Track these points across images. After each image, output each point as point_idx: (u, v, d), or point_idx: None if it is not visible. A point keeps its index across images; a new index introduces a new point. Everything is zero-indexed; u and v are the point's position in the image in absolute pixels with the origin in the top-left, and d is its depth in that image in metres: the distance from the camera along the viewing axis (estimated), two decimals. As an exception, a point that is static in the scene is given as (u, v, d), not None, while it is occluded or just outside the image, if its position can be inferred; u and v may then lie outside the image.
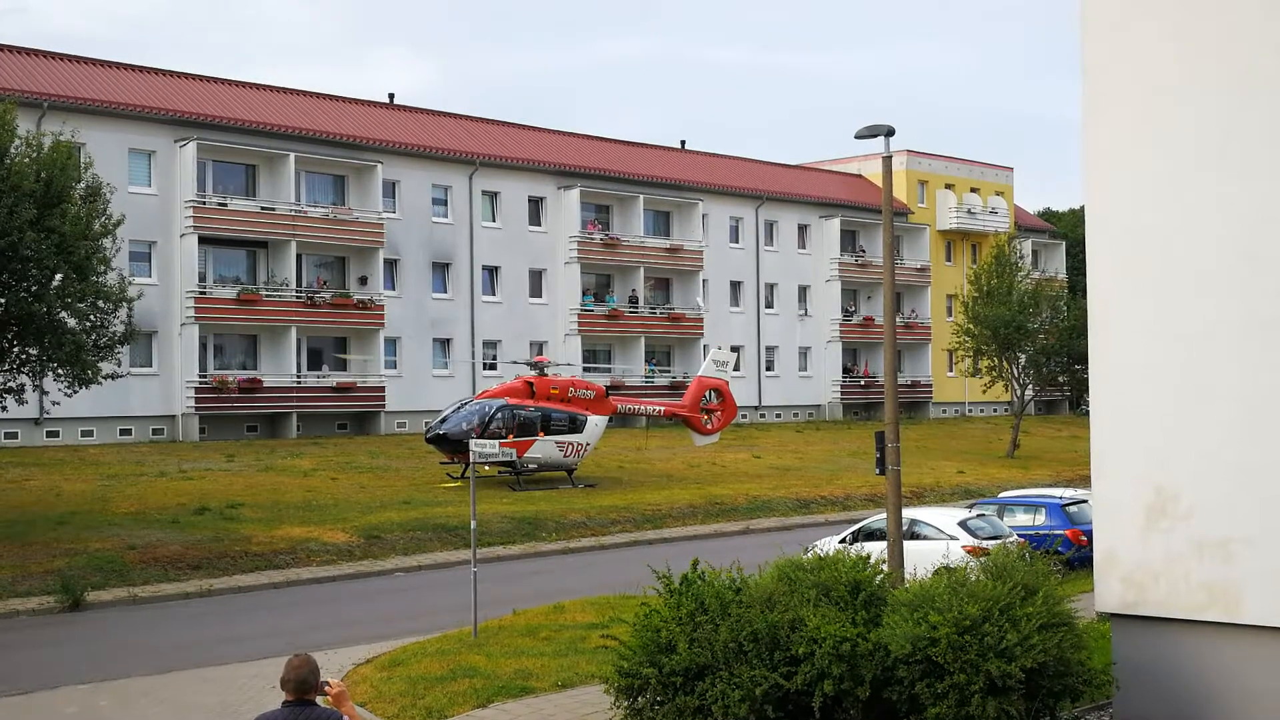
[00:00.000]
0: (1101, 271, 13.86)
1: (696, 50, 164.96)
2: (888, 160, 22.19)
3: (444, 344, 52.34)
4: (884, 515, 22.56)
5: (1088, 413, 14.42)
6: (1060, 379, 62.97)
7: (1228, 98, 12.95)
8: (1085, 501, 26.06)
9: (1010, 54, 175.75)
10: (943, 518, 24.95)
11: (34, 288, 27.19)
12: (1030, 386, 59.65)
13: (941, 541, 22.87)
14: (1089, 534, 20.05)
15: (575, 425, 39.66)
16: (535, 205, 55.74)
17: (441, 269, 52.41)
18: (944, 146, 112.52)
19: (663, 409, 44.20)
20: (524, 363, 44.08)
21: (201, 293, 44.72)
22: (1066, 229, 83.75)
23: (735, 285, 63.68)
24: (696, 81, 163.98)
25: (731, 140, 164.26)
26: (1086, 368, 14.68)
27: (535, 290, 55.36)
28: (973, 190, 76.47)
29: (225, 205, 45.75)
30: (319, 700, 7.83)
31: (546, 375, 40.55)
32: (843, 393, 67.25)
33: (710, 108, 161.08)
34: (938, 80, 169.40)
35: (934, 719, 11.76)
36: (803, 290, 66.91)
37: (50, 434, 40.82)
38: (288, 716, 7.69)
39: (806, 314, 66.87)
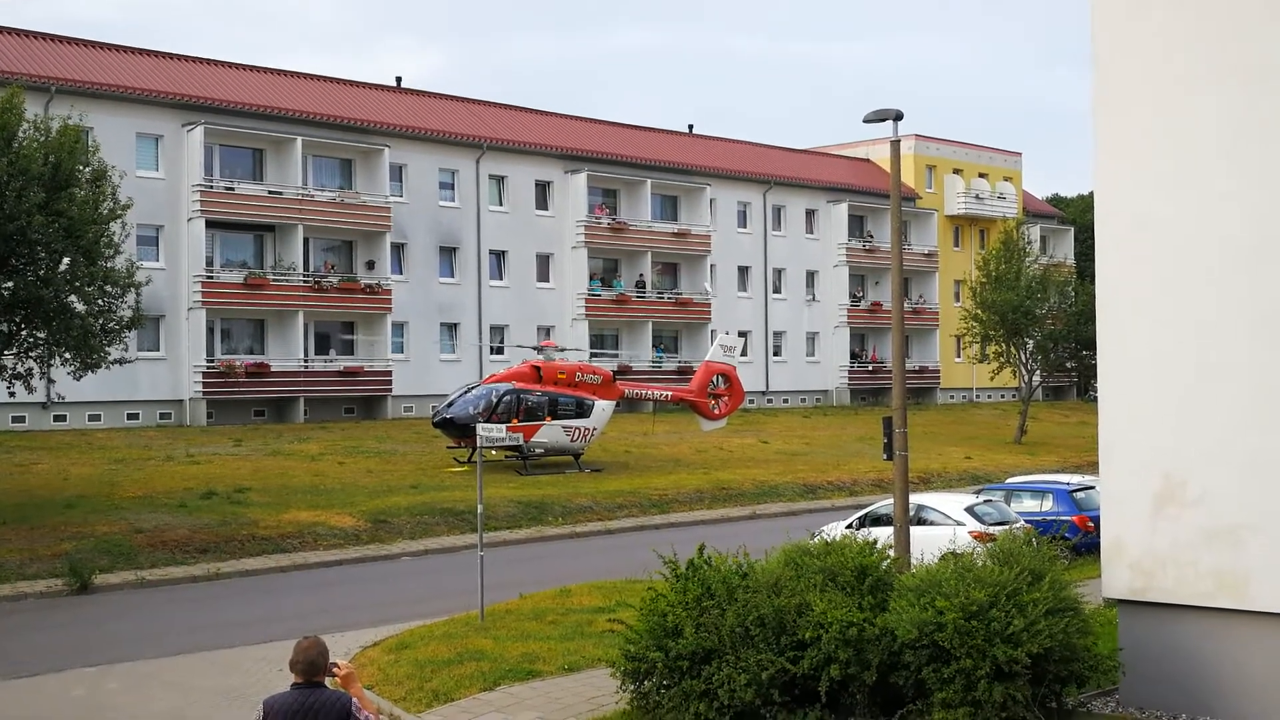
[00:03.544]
0: (1110, 260, 13.84)
1: (705, 37, 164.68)
2: (895, 145, 22.13)
3: (451, 328, 52.34)
4: (891, 500, 22.57)
5: (1095, 399, 14.41)
6: (1068, 365, 62.97)
7: (1240, 89, 12.90)
8: (1093, 487, 26.02)
9: (1019, 41, 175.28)
10: (950, 503, 24.94)
11: (42, 272, 27.24)
12: (1038, 372, 59.61)
13: (948, 527, 22.85)
14: (1096, 520, 20.07)
15: (582, 410, 39.67)
16: (542, 189, 55.66)
17: (449, 253, 52.36)
18: (953, 133, 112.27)
19: (670, 394, 44.18)
20: (531, 347, 44.09)
21: (209, 277, 44.70)
22: (1075, 214, 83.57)
23: (743, 270, 63.60)
24: (705, 68, 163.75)
25: (740, 126, 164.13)
26: (1094, 354, 14.67)
27: (542, 275, 55.30)
28: (981, 175, 76.27)
29: (232, 189, 45.71)
30: (327, 682, 7.85)
31: (554, 360, 40.54)
32: (850, 378, 67.18)
33: (719, 94, 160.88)
34: (946, 67, 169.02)
35: (940, 704, 11.78)
36: (810, 275, 66.82)
37: (58, 418, 40.88)
38: (296, 698, 7.71)
39: (814, 299, 66.79)
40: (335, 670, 7.87)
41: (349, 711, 7.72)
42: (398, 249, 50.43)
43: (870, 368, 68.18)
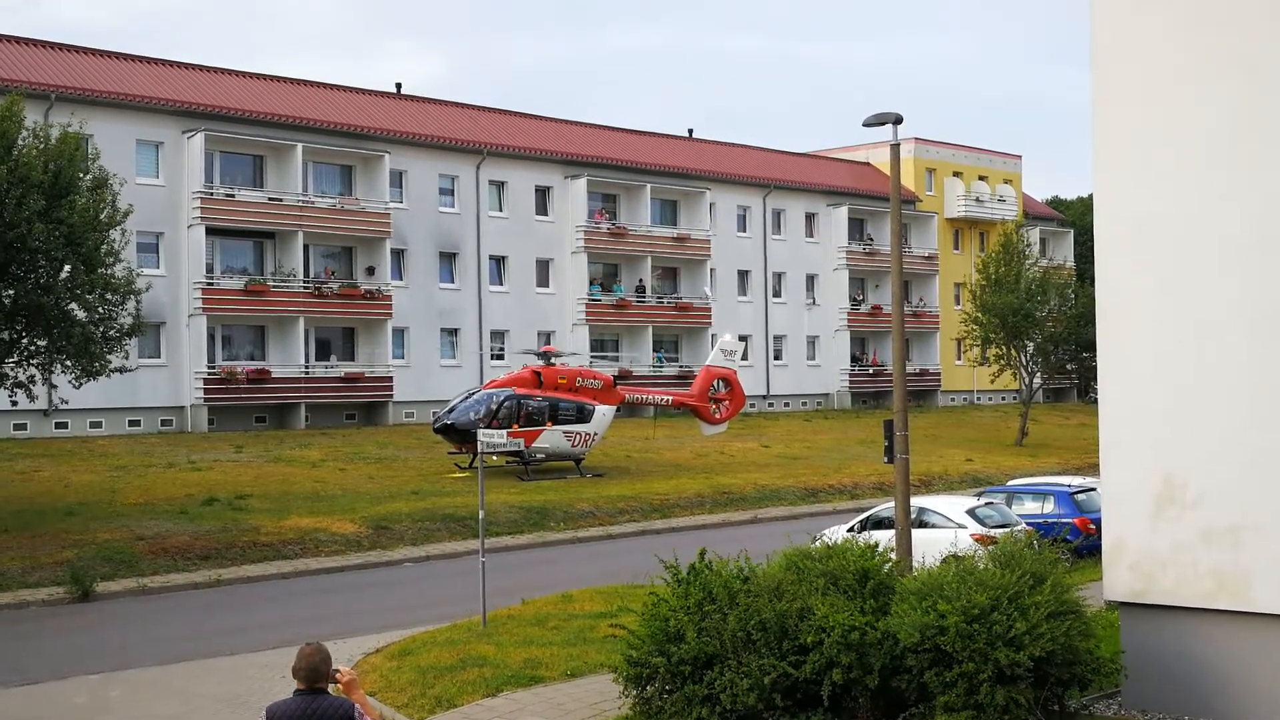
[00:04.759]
0: (1110, 261, 13.84)
1: (704, 40, 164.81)
2: (895, 148, 22.15)
3: (451, 334, 52.36)
4: (892, 504, 22.56)
5: (1096, 400, 14.41)
6: (1068, 367, 62.98)
7: (1240, 88, 12.91)
8: (1094, 489, 26.02)
9: (1018, 42, 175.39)
10: (951, 506, 24.93)
11: (42, 279, 27.25)
12: (1038, 374, 59.60)
13: (950, 530, 22.86)
14: (1097, 522, 20.07)
15: (583, 415, 39.66)
16: (542, 195, 55.68)
17: (449, 259, 52.37)
18: (952, 135, 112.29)
19: (670, 398, 44.18)
20: (531, 352, 44.09)
21: (209, 284, 44.70)
22: (1074, 217, 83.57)
23: (743, 274, 63.61)
24: (704, 71, 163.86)
25: (739, 129, 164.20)
26: (1094, 356, 14.68)
27: (542, 280, 55.31)
28: (980, 178, 76.30)
29: (232, 196, 45.73)
30: (330, 689, 7.85)
31: (554, 365, 40.55)
32: (851, 381, 67.18)
33: (718, 97, 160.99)
34: (945, 69, 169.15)
35: (942, 707, 11.77)
36: (810, 279, 66.83)
37: (59, 425, 40.89)
38: (299, 705, 7.72)
39: (814, 303, 66.79)
40: (337, 676, 7.87)
41: (352, 718, 7.73)
42: (398, 255, 50.46)
43: (871, 371, 68.19)
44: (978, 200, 75.05)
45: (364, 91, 54.43)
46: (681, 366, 58.82)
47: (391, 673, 16.30)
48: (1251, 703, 12.71)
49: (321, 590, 25.08)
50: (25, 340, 28.17)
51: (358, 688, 8.00)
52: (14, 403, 29.89)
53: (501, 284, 53.96)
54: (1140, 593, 13.40)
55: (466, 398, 39.05)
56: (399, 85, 56.41)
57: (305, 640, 8.20)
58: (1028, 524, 23.18)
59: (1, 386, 28.78)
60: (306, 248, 47.88)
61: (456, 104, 57.28)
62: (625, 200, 59.18)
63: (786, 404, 64.96)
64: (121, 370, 29.96)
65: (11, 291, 27.13)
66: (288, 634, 19.36)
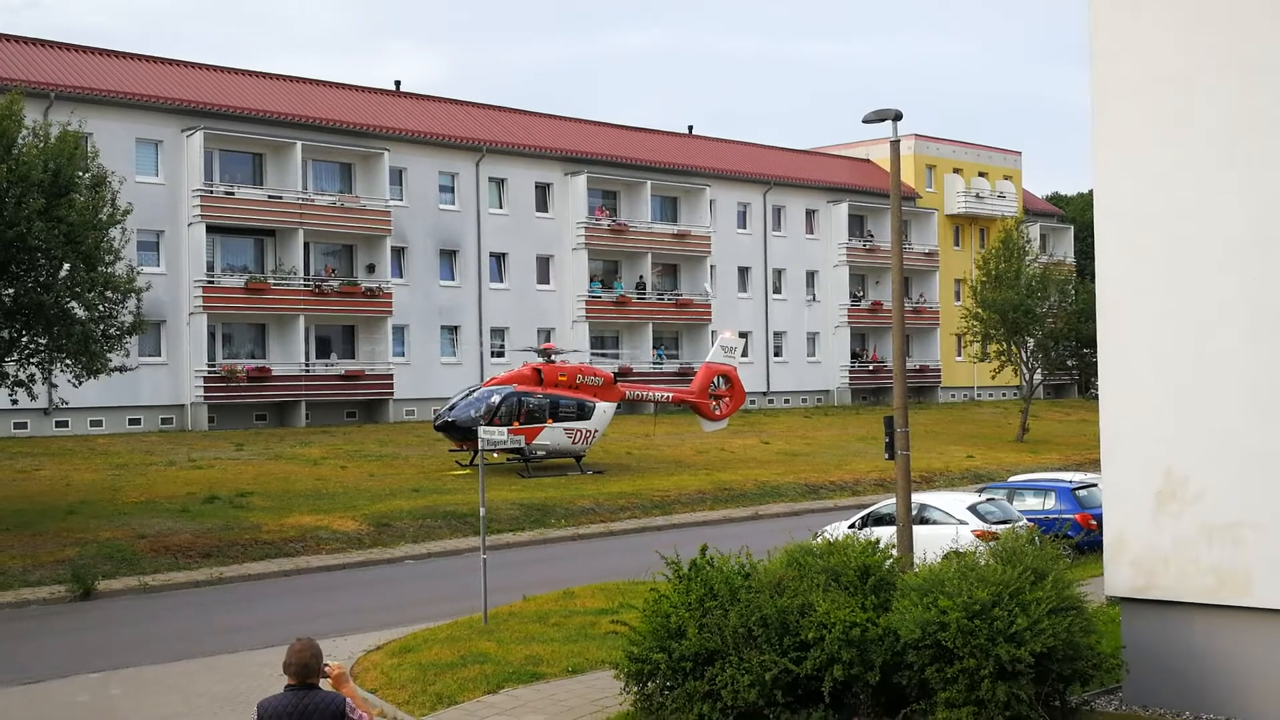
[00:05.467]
0: (1110, 258, 13.84)
1: (705, 39, 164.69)
2: (895, 144, 22.11)
3: (452, 331, 52.33)
4: (893, 500, 22.56)
5: (1097, 397, 14.41)
6: (1069, 363, 62.94)
7: (1238, 86, 12.90)
8: (1095, 485, 26.01)
9: (1018, 39, 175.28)
10: (952, 502, 24.92)
11: (42, 278, 27.24)
12: (1039, 371, 59.58)
13: (951, 526, 22.84)
14: (1098, 518, 20.08)
15: (583, 412, 39.65)
16: (542, 191, 55.65)
17: (449, 256, 52.37)
18: (953, 132, 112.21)
19: (671, 395, 44.17)
20: (532, 349, 44.09)
21: (209, 282, 44.69)
22: (1075, 213, 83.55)
23: (743, 271, 63.60)
24: (704, 70, 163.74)
25: (740, 127, 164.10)
26: (1095, 352, 14.67)
27: (543, 277, 55.30)
28: (981, 174, 76.27)
29: (232, 194, 45.72)
30: (322, 684, 7.83)
31: (554, 362, 40.53)
32: (851, 378, 67.18)
33: (719, 96, 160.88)
34: (946, 66, 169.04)
35: (943, 703, 11.77)
36: (811, 275, 66.81)
37: (60, 424, 40.88)
38: (290, 700, 7.70)
39: (814, 299, 66.78)
40: (326, 670, 7.85)
41: (343, 713, 7.71)
42: (398, 252, 50.44)
43: (871, 367, 68.18)
44: (978, 196, 75.03)
45: (363, 89, 54.39)
46: (682, 363, 58.82)
47: (392, 670, 16.30)
48: (1252, 698, 12.71)
49: (322, 588, 25.07)
50: (25, 339, 28.16)
51: (347, 681, 7.99)
52: (14, 401, 29.90)
53: (502, 281, 53.95)
54: (1142, 588, 13.40)
55: (467, 395, 39.04)
56: (398, 83, 56.38)
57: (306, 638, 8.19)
58: (1029, 520, 23.18)
59: (2, 385, 28.77)
60: (307, 245, 47.87)
61: (456, 101, 57.23)
62: (625, 197, 59.15)
63: (787, 400, 64.94)
64: (121, 369, 29.94)
65: (11, 290, 27.11)
66: (289, 631, 19.21)
